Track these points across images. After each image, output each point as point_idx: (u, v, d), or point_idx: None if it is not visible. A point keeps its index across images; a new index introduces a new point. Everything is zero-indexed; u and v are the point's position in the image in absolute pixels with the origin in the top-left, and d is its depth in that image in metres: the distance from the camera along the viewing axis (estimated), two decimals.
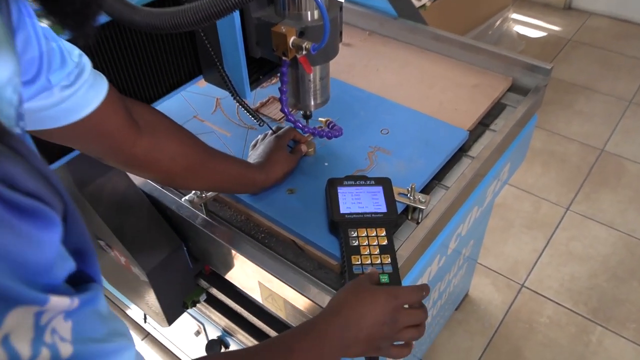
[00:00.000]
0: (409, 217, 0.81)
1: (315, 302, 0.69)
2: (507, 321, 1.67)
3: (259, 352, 0.50)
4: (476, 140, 0.94)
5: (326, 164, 0.86)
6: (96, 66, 0.58)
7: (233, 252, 0.77)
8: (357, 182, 0.78)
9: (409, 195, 0.78)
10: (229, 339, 1.06)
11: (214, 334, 1.10)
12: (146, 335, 1.60)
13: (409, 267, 0.78)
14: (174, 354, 1.44)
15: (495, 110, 1.00)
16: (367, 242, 0.70)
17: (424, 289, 0.59)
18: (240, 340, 1.00)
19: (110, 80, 0.60)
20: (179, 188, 0.85)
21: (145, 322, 1.18)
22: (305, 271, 0.74)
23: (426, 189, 0.85)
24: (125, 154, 0.59)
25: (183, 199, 0.83)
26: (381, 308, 0.55)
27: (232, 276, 0.85)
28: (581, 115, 2.41)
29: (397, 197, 0.78)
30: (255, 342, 0.92)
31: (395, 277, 0.66)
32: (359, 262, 0.67)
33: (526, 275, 1.80)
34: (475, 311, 1.71)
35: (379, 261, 0.69)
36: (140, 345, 1.58)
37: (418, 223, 0.79)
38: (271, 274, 0.73)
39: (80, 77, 0.49)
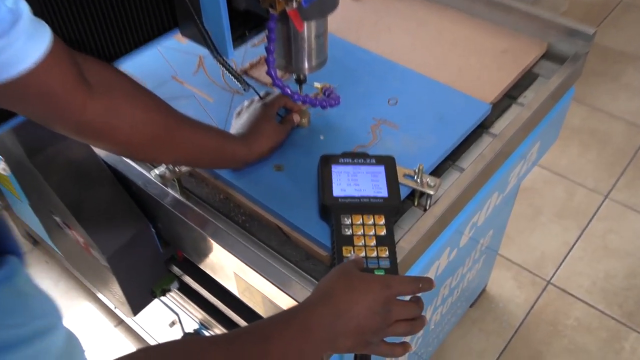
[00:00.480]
0: (415, 203, 0.79)
1: (297, 301, 0.68)
2: (528, 322, 1.67)
3: (234, 340, 0.50)
4: (500, 115, 0.93)
5: (321, 137, 0.85)
6: (40, 14, 0.55)
7: (206, 237, 0.76)
8: (355, 160, 0.76)
9: (415, 177, 0.77)
10: (206, 332, 1.06)
11: (190, 326, 1.10)
12: (119, 322, 1.61)
13: (412, 261, 0.77)
14: (148, 344, 1.42)
15: (525, 81, 0.98)
16: (362, 231, 0.69)
17: (422, 281, 0.59)
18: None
19: (59, 32, 0.57)
20: (143, 161, 0.84)
21: (115, 307, 1.17)
22: (290, 261, 0.73)
23: (437, 171, 0.84)
24: (74, 120, 0.56)
25: (152, 173, 0.81)
26: (373, 296, 0.55)
27: (205, 265, 0.85)
28: (629, 89, 2.35)
29: (401, 180, 0.77)
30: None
31: (393, 274, 0.65)
32: (351, 255, 0.66)
33: (554, 270, 1.79)
34: (493, 309, 1.70)
35: (374, 254, 0.67)
36: (112, 332, 1.60)
37: (425, 210, 0.78)
38: (248, 265, 0.72)
39: (15, 26, 0.46)
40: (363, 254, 0.67)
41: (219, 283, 0.85)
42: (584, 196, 1.99)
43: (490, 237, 1.31)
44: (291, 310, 0.55)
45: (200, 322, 1.03)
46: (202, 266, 0.86)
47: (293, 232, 0.74)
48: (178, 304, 1.05)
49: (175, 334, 1.17)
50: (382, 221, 0.70)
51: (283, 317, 0.54)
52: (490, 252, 1.46)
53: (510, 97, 0.95)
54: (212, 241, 0.75)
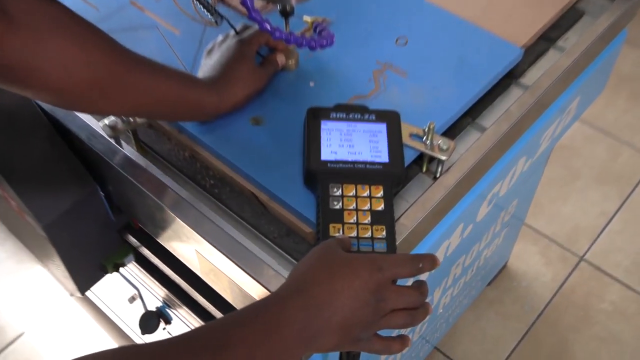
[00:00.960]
0: (423, 170, 0.78)
1: (269, 290, 0.66)
2: (555, 304, 1.67)
3: (178, 346, 0.49)
4: (534, 62, 0.90)
5: (311, 84, 0.83)
6: None
7: (163, 207, 0.74)
8: (351, 116, 0.74)
9: (425, 138, 0.75)
10: (170, 312, 1.06)
11: (152, 303, 1.10)
12: None
13: (416, 242, 0.76)
14: (109, 318, 1.46)
15: (567, 20, 0.94)
16: (354, 204, 0.67)
17: (423, 260, 0.58)
18: (183, 317, 1.00)
19: None
20: (84, 112, 0.81)
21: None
22: (266, 237, 0.72)
23: (453, 130, 0.81)
24: None
25: (101, 123, 0.78)
26: (361, 283, 0.54)
27: (163, 239, 0.84)
28: None
29: (406, 141, 0.75)
30: (201, 323, 0.92)
31: None
32: (339, 234, 0.65)
33: (588, 245, 1.78)
34: (514, 289, 1.70)
35: (368, 234, 0.65)
36: (68, 302, 1.61)
37: (435, 179, 0.76)
38: (211, 244, 0.70)
39: None
40: (354, 234, 0.65)
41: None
42: (629, 158, 1.96)
43: (515, 207, 1.31)
44: (257, 306, 0.53)
45: (164, 301, 1.03)
46: (160, 240, 0.84)
47: (271, 201, 0.72)
48: (138, 278, 1.05)
49: (136, 311, 1.17)
50: (380, 193, 0.68)
51: (246, 316, 0.52)
52: (515, 223, 1.44)
53: (547, 39, 0.92)
54: (169, 212, 0.73)
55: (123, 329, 1.40)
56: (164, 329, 1.10)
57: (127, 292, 1.16)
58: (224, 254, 0.69)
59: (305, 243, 0.71)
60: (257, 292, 0.69)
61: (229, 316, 0.53)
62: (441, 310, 1.27)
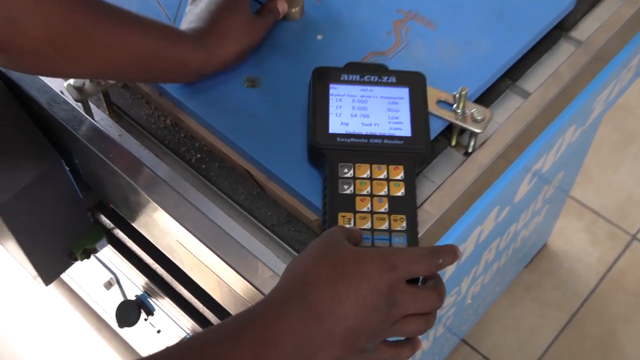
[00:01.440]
0: (452, 143, 0.78)
1: (262, 293, 0.66)
2: (602, 290, 1.67)
3: None
4: (588, 12, 0.89)
5: (319, 37, 0.82)
6: None
7: (137, 190, 0.74)
8: (366, 77, 0.74)
9: (455, 106, 0.74)
10: (152, 302, 1.07)
11: (132, 291, 1.12)
12: None
13: (442, 232, 0.76)
14: (85, 302, 1.46)
15: None
16: (368, 189, 0.67)
17: (442, 254, 0.58)
18: (165, 308, 1.01)
19: None
20: (43, 75, 0.80)
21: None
22: (262, 224, 0.72)
23: (489, 95, 0.81)
24: None
25: (65, 84, 0.77)
26: (371, 285, 0.54)
27: (140, 225, 0.84)
28: None
29: (433, 109, 0.74)
30: (184, 315, 0.94)
31: None
32: (350, 224, 0.64)
33: None
34: (554, 271, 1.70)
35: (385, 226, 0.65)
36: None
37: (467, 154, 0.76)
38: (194, 236, 0.70)
39: None
40: (368, 225, 0.64)
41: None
42: None
43: (560, 181, 1.31)
44: (244, 317, 0.53)
45: (144, 289, 1.04)
46: (136, 226, 0.85)
47: (269, 181, 0.72)
48: (114, 262, 1.06)
49: (114, 298, 1.19)
50: (400, 174, 0.68)
51: (231, 331, 0.52)
52: (558, 197, 1.45)
53: None
54: (144, 195, 0.73)
55: (102, 316, 1.41)
56: (145, 320, 1.10)
57: (102, 277, 1.17)
58: (209, 247, 0.69)
59: (309, 232, 0.71)
60: (250, 295, 0.68)
61: (211, 331, 0.53)
62: (469, 301, 1.28)
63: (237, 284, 0.69)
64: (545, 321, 1.62)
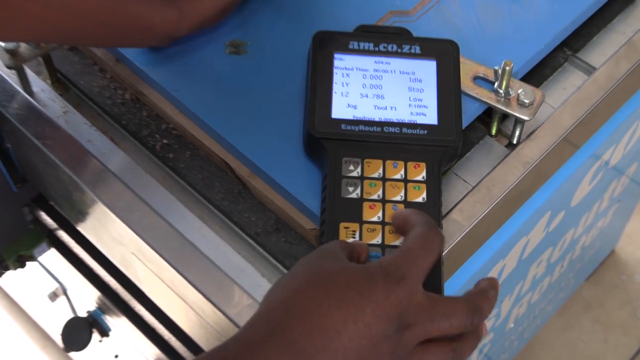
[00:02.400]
0: (492, 132, 0.78)
1: (237, 325, 0.67)
2: None
3: None
4: None
5: None
6: None
7: (82, 187, 0.74)
8: (382, 46, 0.74)
9: (497, 85, 0.75)
10: (107, 320, 1.08)
11: (83, 307, 1.12)
12: None
13: (475, 246, 0.78)
14: (28, 316, 1.49)
15: None
16: (380, 192, 0.67)
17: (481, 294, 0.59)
18: (123, 330, 1.03)
19: None
20: None
21: None
22: (244, 232, 0.72)
23: (541, 71, 0.82)
24: None
25: None
26: (374, 308, 0.54)
27: (88, 231, 0.85)
28: None
29: (468, 88, 0.75)
30: (145, 340, 0.95)
31: (434, 279, 0.63)
32: (355, 238, 0.65)
33: None
34: (623, 286, 1.71)
35: (399, 241, 0.65)
36: None
37: (511, 146, 0.77)
38: (155, 251, 0.70)
39: None
40: (378, 240, 0.65)
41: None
42: None
43: (632, 175, 1.32)
44: (215, 355, 0.53)
45: (97, 305, 1.05)
46: (82, 230, 0.86)
47: (254, 177, 0.72)
48: (61, 270, 1.06)
49: (61, 312, 1.19)
50: (422, 174, 0.68)
51: None
52: (630, 194, 1.45)
53: None
54: (91, 194, 0.73)
55: (48, 332, 1.41)
56: (100, 341, 1.10)
57: (46, 286, 1.18)
58: (171, 264, 0.69)
59: (303, 244, 0.71)
60: (223, 326, 0.69)
61: None
62: (512, 325, 1.29)
63: (207, 313, 0.69)
64: (609, 348, 1.62)
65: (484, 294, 0.59)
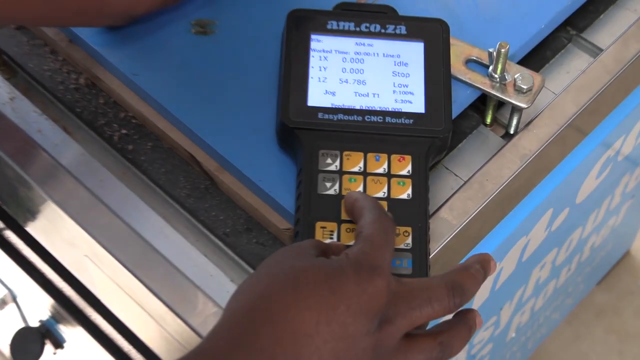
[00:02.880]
0: (487, 121, 0.79)
1: (199, 335, 0.67)
2: None
3: None
4: None
5: None
6: None
7: (26, 180, 0.74)
8: (363, 26, 0.75)
9: (492, 69, 0.75)
10: (62, 330, 1.07)
11: (35, 315, 1.12)
12: None
13: (469, 246, 0.78)
14: None
15: None
16: (361, 188, 0.68)
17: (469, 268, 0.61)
18: (79, 341, 1.02)
19: None
20: None
21: None
22: (211, 232, 0.73)
23: (541, 54, 0.83)
24: None
25: None
26: (350, 303, 0.54)
27: (35, 231, 0.85)
28: None
29: (459, 73, 0.75)
30: (105, 352, 0.95)
31: (420, 272, 0.66)
32: (333, 239, 0.65)
33: None
34: (639, 291, 1.71)
35: None
36: None
37: (509, 135, 0.78)
38: (110, 254, 0.71)
39: None
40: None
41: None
42: None
43: None
44: None
45: (50, 314, 1.04)
46: (31, 231, 0.86)
47: (222, 172, 0.73)
48: (10, 275, 1.06)
49: (10, 321, 1.19)
50: (407, 168, 0.68)
51: None
52: None
53: None
54: (39, 191, 0.74)
55: None
56: (54, 353, 1.10)
57: None
58: (128, 269, 0.69)
59: (277, 245, 0.71)
60: (186, 338, 0.69)
61: None
62: (514, 335, 1.29)
63: (169, 322, 0.69)
64: (624, 358, 1.63)
65: (465, 270, 0.60)
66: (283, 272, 0.56)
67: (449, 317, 0.61)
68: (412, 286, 0.57)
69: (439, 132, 0.69)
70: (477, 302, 0.88)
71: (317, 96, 0.70)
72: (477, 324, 0.61)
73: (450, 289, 0.58)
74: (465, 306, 0.62)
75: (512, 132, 0.76)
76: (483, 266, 0.61)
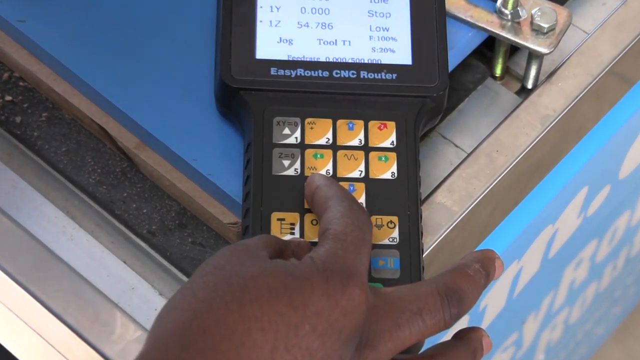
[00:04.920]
0: (496, 73, 0.81)
1: None
2: None
3: None
4: None
5: None
6: None
7: None
8: None
9: (500, 3, 0.77)
10: None
11: None
12: None
13: (475, 240, 0.80)
14: None
15: None
16: (330, 166, 0.69)
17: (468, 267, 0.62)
18: None
19: None
20: None
21: None
22: (131, 231, 0.75)
23: None
24: None
25: None
26: (318, 322, 0.55)
27: None
28: None
29: (457, 10, 0.77)
30: None
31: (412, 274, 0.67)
32: (295, 234, 0.66)
33: None
34: None
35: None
36: None
37: (526, 91, 0.79)
38: None
39: None
40: None
41: None
42: None
43: None
44: None
45: None
46: None
47: (143, 150, 0.74)
48: None
49: None
50: (391, 138, 0.70)
51: None
52: None
53: None
54: None
55: None
56: None
57: None
58: (23, 286, 0.70)
59: (219, 245, 0.73)
60: None
61: None
62: (542, 357, 1.30)
63: (76, 354, 0.70)
64: None
65: (461, 271, 0.61)
66: (225, 281, 0.56)
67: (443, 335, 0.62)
68: (396, 296, 0.58)
69: (431, 89, 0.70)
70: (490, 313, 0.87)
71: (268, 46, 0.71)
72: (484, 347, 0.61)
73: (443, 296, 0.59)
74: (473, 320, 0.64)
75: (529, 86, 0.77)
76: (484, 266, 0.62)
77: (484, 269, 0.61)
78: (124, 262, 0.71)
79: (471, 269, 0.61)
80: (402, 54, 0.71)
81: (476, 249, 0.78)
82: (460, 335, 0.62)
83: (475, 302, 0.60)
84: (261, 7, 0.72)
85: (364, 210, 0.61)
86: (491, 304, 0.84)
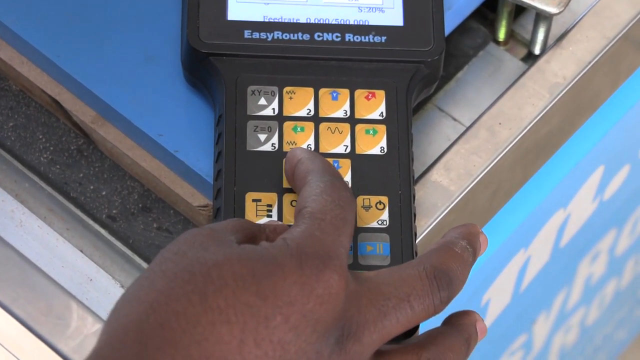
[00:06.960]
0: (499, 37, 0.81)
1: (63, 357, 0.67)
2: None
3: None
4: None
5: None
6: None
7: None
8: None
9: None
10: None
11: None
12: None
13: (480, 221, 0.79)
14: None
15: None
16: (311, 140, 0.70)
17: (455, 244, 0.63)
18: None
19: None
20: None
21: None
22: (89, 215, 0.76)
23: None
24: None
25: None
26: (292, 313, 0.56)
27: None
28: None
29: None
30: None
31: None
32: (272, 216, 0.68)
33: None
34: None
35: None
36: None
37: (532, 57, 0.80)
38: None
39: None
40: None
41: None
42: None
43: None
44: None
45: None
46: None
47: (102, 125, 0.75)
48: None
49: None
50: (380, 109, 0.71)
51: None
52: None
53: None
54: None
55: None
56: None
57: None
58: None
59: (183, 224, 0.74)
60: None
61: None
62: None
63: (27, 350, 0.70)
64: None
65: (448, 249, 0.62)
66: (186, 269, 0.56)
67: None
68: (380, 281, 0.59)
69: (425, 53, 0.71)
70: (493, 309, 0.87)
71: (241, 5, 0.72)
72: (478, 333, 0.62)
73: (432, 278, 0.59)
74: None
75: (537, 52, 0.78)
76: (470, 242, 0.63)
77: (471, 245, 0.62)
78: (81, 251, 0.71)
79: (458, 246, 0.62)
80: (392, 14, 0.72)
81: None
82: (451, 320, 0.63)
83: (464, 283, 0.61)
84: None
85: (346, 187, 0.62)
86: (495, 299, 0.84)
